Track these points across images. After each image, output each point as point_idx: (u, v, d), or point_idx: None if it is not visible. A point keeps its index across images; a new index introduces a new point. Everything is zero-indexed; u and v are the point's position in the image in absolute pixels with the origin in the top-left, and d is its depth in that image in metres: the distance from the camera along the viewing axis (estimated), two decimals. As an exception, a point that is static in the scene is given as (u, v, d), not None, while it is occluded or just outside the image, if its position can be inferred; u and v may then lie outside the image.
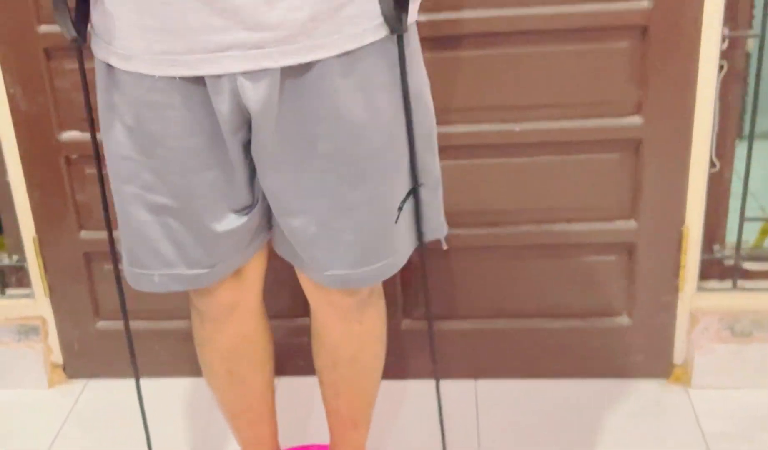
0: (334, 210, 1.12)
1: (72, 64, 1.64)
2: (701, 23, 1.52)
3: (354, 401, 1.40)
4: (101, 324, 1.89)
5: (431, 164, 1.20)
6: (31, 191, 1.76)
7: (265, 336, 1.38)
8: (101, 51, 1.08)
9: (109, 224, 1.22)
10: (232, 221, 1.15)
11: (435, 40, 1.56)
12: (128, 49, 1.04)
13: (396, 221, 1.16)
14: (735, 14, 1.56)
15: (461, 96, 1.61)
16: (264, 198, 1.17)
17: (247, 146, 1.11)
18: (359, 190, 1.11)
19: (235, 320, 1.30)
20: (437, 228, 1.25)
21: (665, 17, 1.52)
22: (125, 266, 1.22)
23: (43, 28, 1.62)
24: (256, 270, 1.28)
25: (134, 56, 1.04)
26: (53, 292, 1.86)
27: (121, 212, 1.18)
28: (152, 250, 1.16)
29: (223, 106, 1.05)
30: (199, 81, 1.04)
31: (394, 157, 1.13)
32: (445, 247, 1.27)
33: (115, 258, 1.25)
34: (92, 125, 1.16)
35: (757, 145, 1.66)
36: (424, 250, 1.20)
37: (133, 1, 1.01)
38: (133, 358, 1.33)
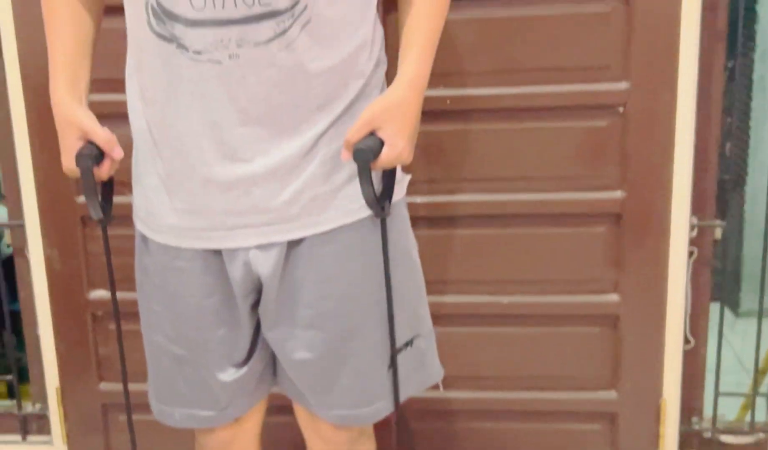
0: (330, 360, 1.27)
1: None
2: (670, 213, 1.67)
3: None
4: (113, 472, 1.99)
5: (425, 315, 1.37)
6: (58, 344, 1.90)
7: None
8: (139, 222, 1.30)
9: (125, 377, 1.36)
10: (232, 374, 1.31)
11: (431, 220, 1.73)
12: (160, 225, 1.25)
13: (388, 369, 1.30)
14: (703, 205, 1.71)
15: (454, 269, 1.76)
16: (265, 348, 1.32)
17: (254, 305, 1.28)
18: (354, 342, 1.27)
19: None
20: (435, 372, 1.40)
21: (637, 206, 1.67)
22: (153, 402, 1.39)
23: (81, 199, 1.81)
24: (254, 417, 1.41)
25: (165, 231, 1.24)
26: (71, 440, 1.96)
27: (149, 357, 1.37)
28: (173, 391, 1.34)
29: (236, 273, 1.23)
30: (218, 253, 1.23)
31: (384, 312, 1.27)
32: (441, 389, 1.40)
33: (129, 409, 1.39)
34: (113, 286, 1.33)
35: (747, 321, 1.76)
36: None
37: (166, 188, 1.22)
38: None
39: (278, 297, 1.24)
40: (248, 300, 1.27)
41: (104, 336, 1.91)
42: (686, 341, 1.75)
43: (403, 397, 1.35)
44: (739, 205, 2.68)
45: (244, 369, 1.31)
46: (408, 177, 1.31)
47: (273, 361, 1.37)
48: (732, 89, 1.78)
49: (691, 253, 1.71)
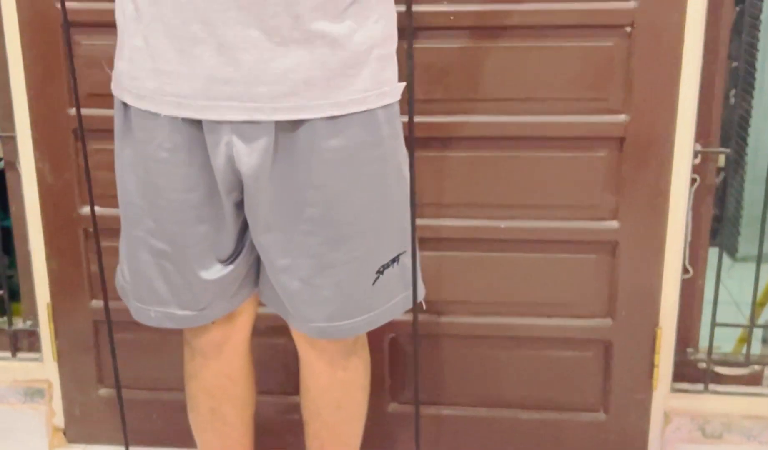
0: (315, 268, 1.25)
1: (98, 145, 1.77)
2: (674, 138, 1.64)
3: None
4: (104, 391, 1.97)
5: (409, 231, 1.32)
6: (49, 260, 1.87)
7: (249, 379, 1.48)
8: (118, 89, 1.25)
9: (106, 295, 1.35)
10: (218, 270, 1.28)
11: (429, 140, 1.69)
12: (141, 90, 1.20)
13: (374, 284, 1.28)
14: (708, 131, 1.68)
15: (452, 192, 1.73)
16: (251, 250, 1.30)
17: (239, 205, 1.25)
18: (339, 251, 1.24)
19: (223, 358, 1.41)
20: (419, 291, 1.36)
21: (641, 131, 1.64)
22: (131, 300, 1.36)
23: (74, 111, 1.77)
24: (246, 313, 1.40)
25: (146, 96, 1.19)
26: (61, 356, 1.95)
27: (128, 251, 1.34)
28: (150, 288, 1.31)
29: (219, 162, 1.19)
30: (202, 140, 1.19)
31: (374, 223, 1.25)
32: (424, 307, 1.38)
33: (110, 326, 1.37)
34: (90, 196, 1.35)
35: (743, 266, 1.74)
36: (415, 326, 1.29)
37: (149, 49, 1.17)
38: (123, 425, 1.42)
39: (264, 201, 1.21)
40: (232, 197, 1.24)
41: (96, 252, 1.87)
42: (685, 271, 1.74)
43: (388, 317, 1.33)
44: (740, 150, 2.65)
45: (229, 268, 1.29)
46: (402, 85, 1.26)
47: (257, 265, 1.34)
48: (743, 10, 1.73)
49: (693, 181, 1.68)
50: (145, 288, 1.32)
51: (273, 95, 1.14)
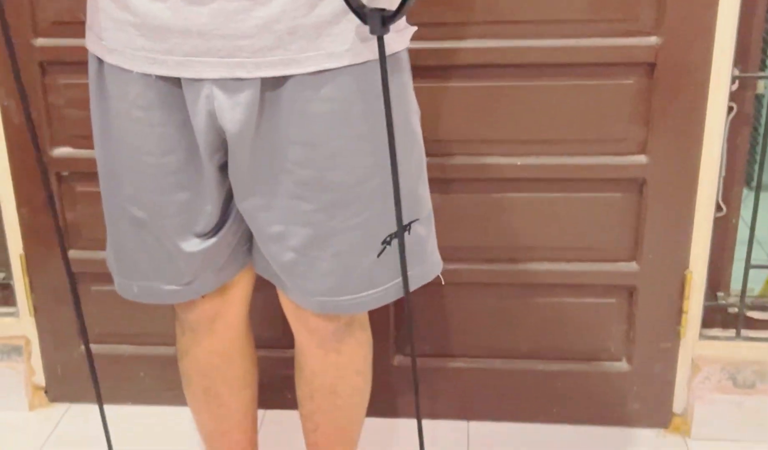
0: (310, 237, 1.10)
1: (67, 79, 1.62)
2: (711, 63, 1.48)
3: (331, 436, 1.35)
4: (86, 347, 1.84)
5: (424, 197, 1.17)
6: (20, 208, 1.73)
7: (246, 357, 1.34)
8: (91, 43, 1.09)
9: (63, 243, 1.18)
10: (196, 244, 1.14)
11: (436, 69, 1.53)
12: (111, 42, 1.04)
13: (379, 256, 1.12)
14: (746, 55, 1.52)
15: (461, 127, 1.58)
16: (241, 218, 1.15)
17: (223, 168, 1.10)
18: (337, 218, 1.08)
19: (214, 334, 1.27)
20: (432, 266, 1.20)
21: (674, 55, 1.48)
22: (114, 275, 1.24)
23: (39, 42, 1.60)
24: (241, 286, 1.26)
25: (116, 50, 1.04)
26: (38, 312, 1.81)
27: (108, 221, 1.20)
28: (132, 262, 1.18)
29: (200, 121, 1.04)
30: (180, 98, 1.04)
31: (378, 187, 1.08)
32: (443, 282, 1.23)
33: (72, 282, 1.20)
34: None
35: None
36: (407, 295, 1.14)
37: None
38: (95, 384, 1.25)
39: (248, 160, 1.05)
40: (215, 159, 1.08)
41: (71, 198, 1.73)
42: (717, 208, 1.59)
43: (396, 295, 1.16)
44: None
45: (212, 240, 1.14)
46: (411, 31, 1.09)
47: (250, 233, 1.19)
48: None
49: (729, 110, 1.53)
50: (127, 261, 1.19)
51: (255, 49, 0.98)
